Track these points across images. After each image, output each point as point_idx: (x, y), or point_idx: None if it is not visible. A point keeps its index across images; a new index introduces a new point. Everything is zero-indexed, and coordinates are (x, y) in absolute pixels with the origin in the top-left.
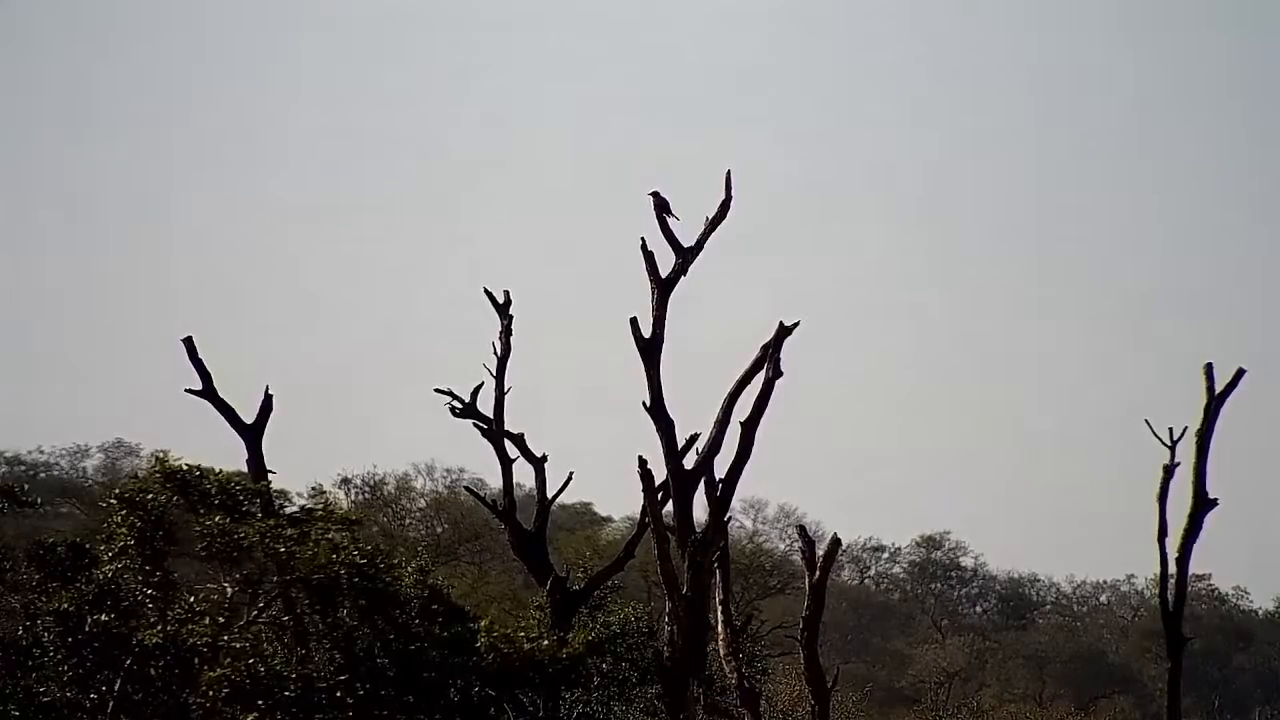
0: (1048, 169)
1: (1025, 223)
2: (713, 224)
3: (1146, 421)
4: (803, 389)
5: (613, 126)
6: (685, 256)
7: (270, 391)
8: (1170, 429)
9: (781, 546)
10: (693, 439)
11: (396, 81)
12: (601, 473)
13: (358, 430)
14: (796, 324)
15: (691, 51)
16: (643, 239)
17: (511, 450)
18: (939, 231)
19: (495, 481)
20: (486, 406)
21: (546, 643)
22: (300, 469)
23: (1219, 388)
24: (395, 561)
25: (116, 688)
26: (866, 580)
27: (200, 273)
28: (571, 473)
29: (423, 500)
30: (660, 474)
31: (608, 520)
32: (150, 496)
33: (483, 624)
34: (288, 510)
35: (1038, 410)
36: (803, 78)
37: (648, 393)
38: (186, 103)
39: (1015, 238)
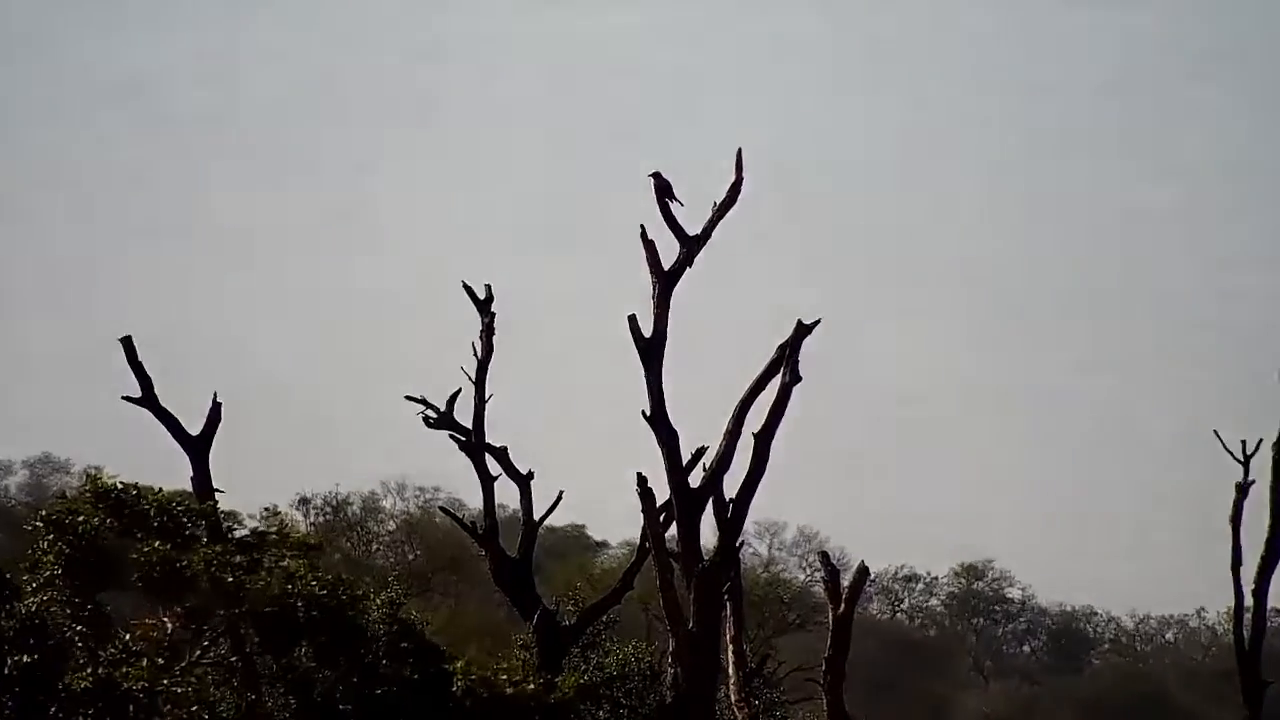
0: (1105, 164)
1: (1076, 220)
2: (722, 209)
3: (1216, 433)
4: (824, 395)
5: (612, 102)
6: (690, 246)
7: (219, 399)
8: (1243, 442)
9: (801, 576)
10: (700, 453)
11: (361, 44)
12: (596, 492)
13: (318, 443)
14: (817, 322)
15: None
16: (642, 227)
17: (493, 466)
18: (982, 224)
19: (474, 501)
20: (465, 416)
21: (532, 686)
22: (252, 487)
23: None
24: (360, 593)
25: None
26: (899, 615)
27: (139, 266)
28: (561, 491)
29: (392, 523)
30: (663, 493)
31: (603, 546)
32: (81, 519)
33: (459, 664)
34: (237, 534)
35: (1093, 422)
36: (837, 48)
37: (648, 400)
38: (116, 88)
39: (1065, 235)
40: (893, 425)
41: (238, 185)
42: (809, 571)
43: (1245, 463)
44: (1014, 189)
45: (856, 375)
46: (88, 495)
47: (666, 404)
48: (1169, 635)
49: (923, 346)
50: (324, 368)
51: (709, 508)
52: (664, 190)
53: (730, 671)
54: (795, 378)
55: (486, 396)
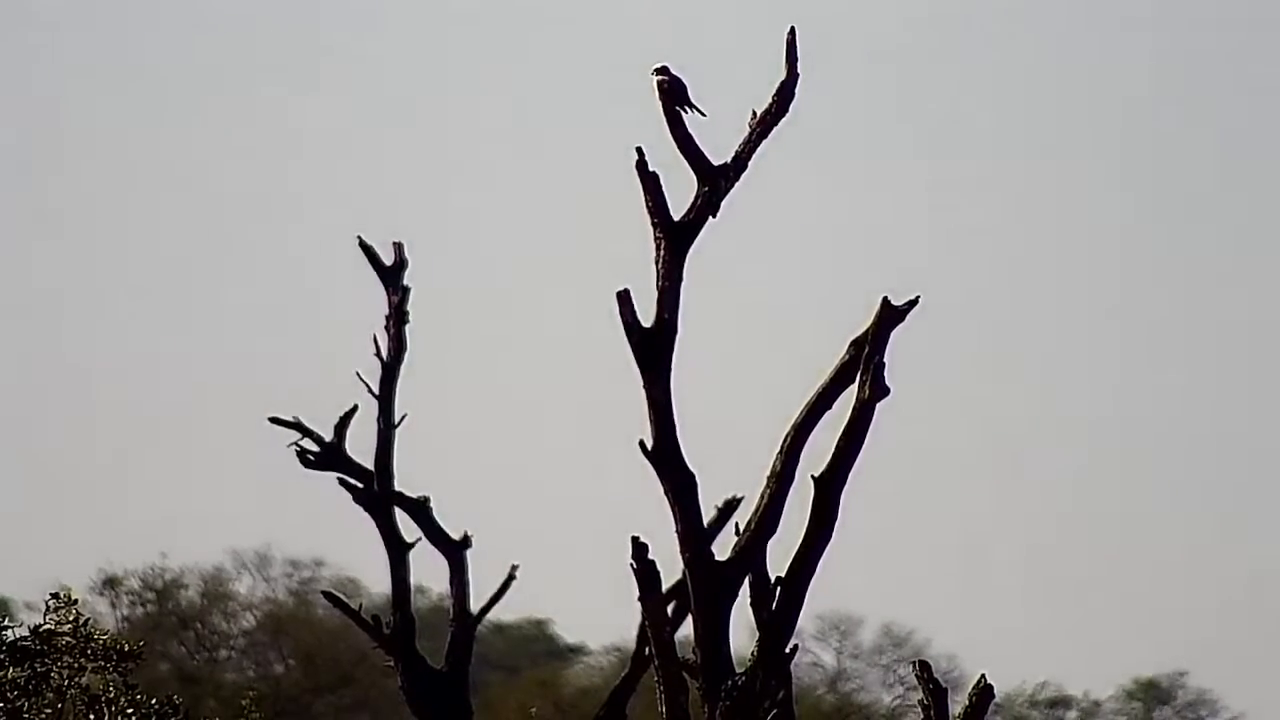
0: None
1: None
2: (766, 123)
3: None
4: (924, 418)
5: None
6: (715, 182)
7: None
8: None
9: (887, 697)
10: (729, 506)
11: None
12: (568, 566)
13: (132, 491)
14: (914, 301)
15: None
16: (639, 151)
17: (408, 527)
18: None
19: (377, 582)
20: (363, 450)
21: None
22: (30, 560)
23: None
24: None
25: None
26: None
27: None
28: (515, 566)
29: (251, 615)
30: (673, 569)
31: (578, 652)
32: None
33: None
34: (10, 634)
35: None
36: None
37: (650, 425)
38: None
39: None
40: (1025, 473)
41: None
42: (899, 690)
43: None
44: None
45: (980, 387)
46: None
47: (678, 430)
48: None
49: (1059, 350)
50: (142, 377)
51: (744, 592)
52: (675, 95)
53: None
54: (880, 391)
55: (397, 419)
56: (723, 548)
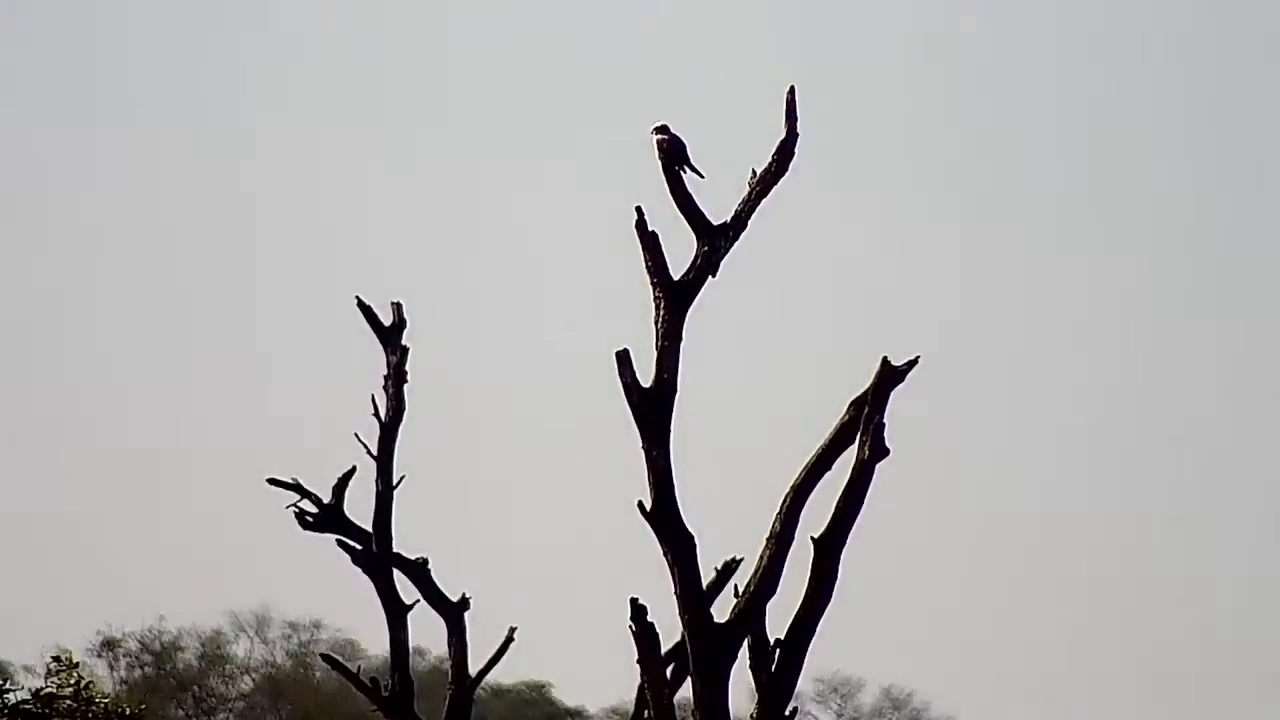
0: None
1: None
2: (766, 182)
3: None
4: (926, 477)
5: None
6: (715, 241)
7: None
8: None
9: None
10: (729, 568)
11: None
12: (567, 630)
13: (131, 554)
14: (914, 362)
15: None
16: (638, 211)
17: (406, 589)
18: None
19: (376, 645)
20: (361, 512)
21: None
22: (28, 622)
23: None
24: None
25: None
26: None
27: None
28: (513, 629)
29: (249, 677)
30: (672, 631)
31: (577, 715)
32: None
33: None
34: (11, 698)
35: None
36: None
37: (649, 485)
38: None
39: None
40: (1033, 533)
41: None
42: None
43: None
44: None
45: (981, 447)
46: None
47: (677, 491)
48: None
49: (1079, 399)
50: (141, 437)
51: (743, 654)
52: (674, 155)
53: None
54: (880, 451)
55: (395, 480)
56: (722, 609)
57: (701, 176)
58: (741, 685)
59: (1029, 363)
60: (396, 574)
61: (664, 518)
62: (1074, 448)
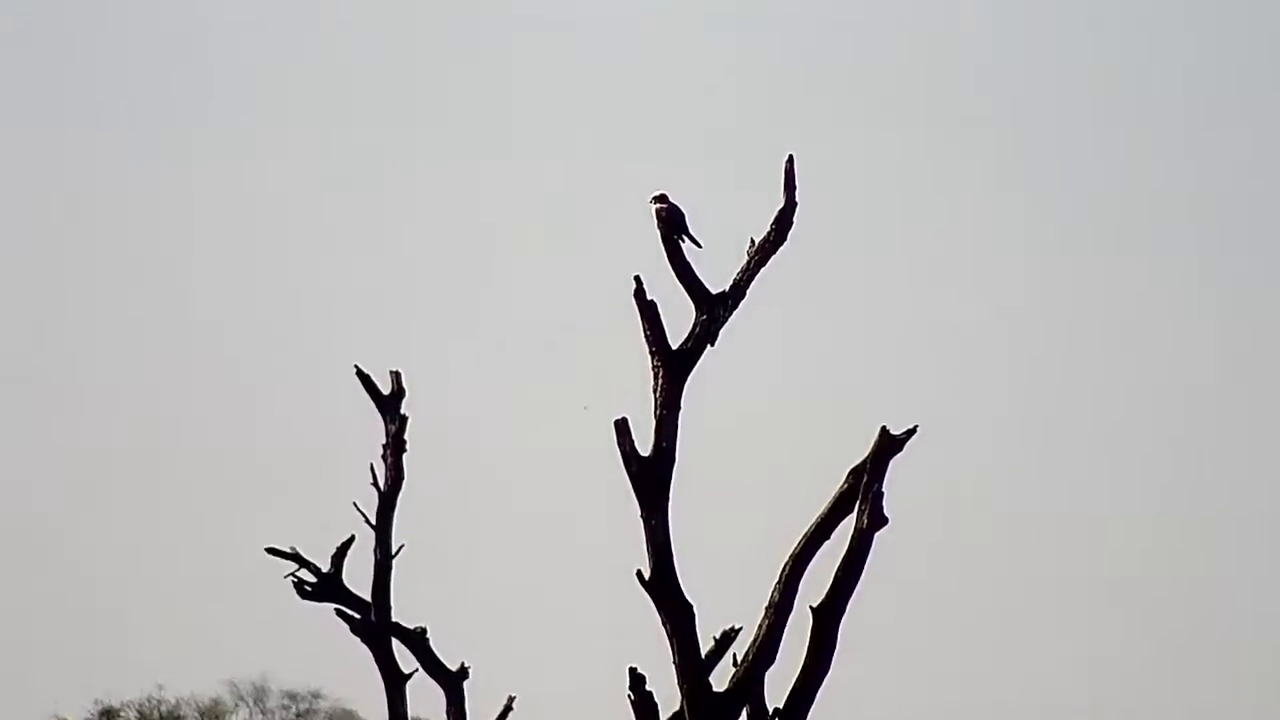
0: None
1: None
2: (764, 251)
3: None
4: (928, 542)
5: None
6: (714, 310)
7: None
8: None
9: None
10: (727, 637)
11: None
12: (568, 697)
13: (130, 622)
14: (913, 431)
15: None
16: (637, 280)
17: (405, 658)
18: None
19: (375, 714)
20: (358, 580)
21: None
22: (28, 693)
23: None
24: None
25: None
26: None
27: None
28: (512, 697)
29: None
30: (669, 700)
31: None
32: None
33: None
34: None
35: None
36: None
37: (647, 554)
38: None
39: None
40: (1032, 605)
41: None
42: None
43: None
44: None
45: (981, 514)
46: None
47: (676, 560)
48: None
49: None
50: (137, 501)
51: None
52: (673, 223)
53: None
54: (879, 520)
55: (394, 549)
56: (721, 678)
57: (699, 246)
58: None
59: (1031, 433)
60: (395, 643)
61: (663, 587)
62: (1080, 518)
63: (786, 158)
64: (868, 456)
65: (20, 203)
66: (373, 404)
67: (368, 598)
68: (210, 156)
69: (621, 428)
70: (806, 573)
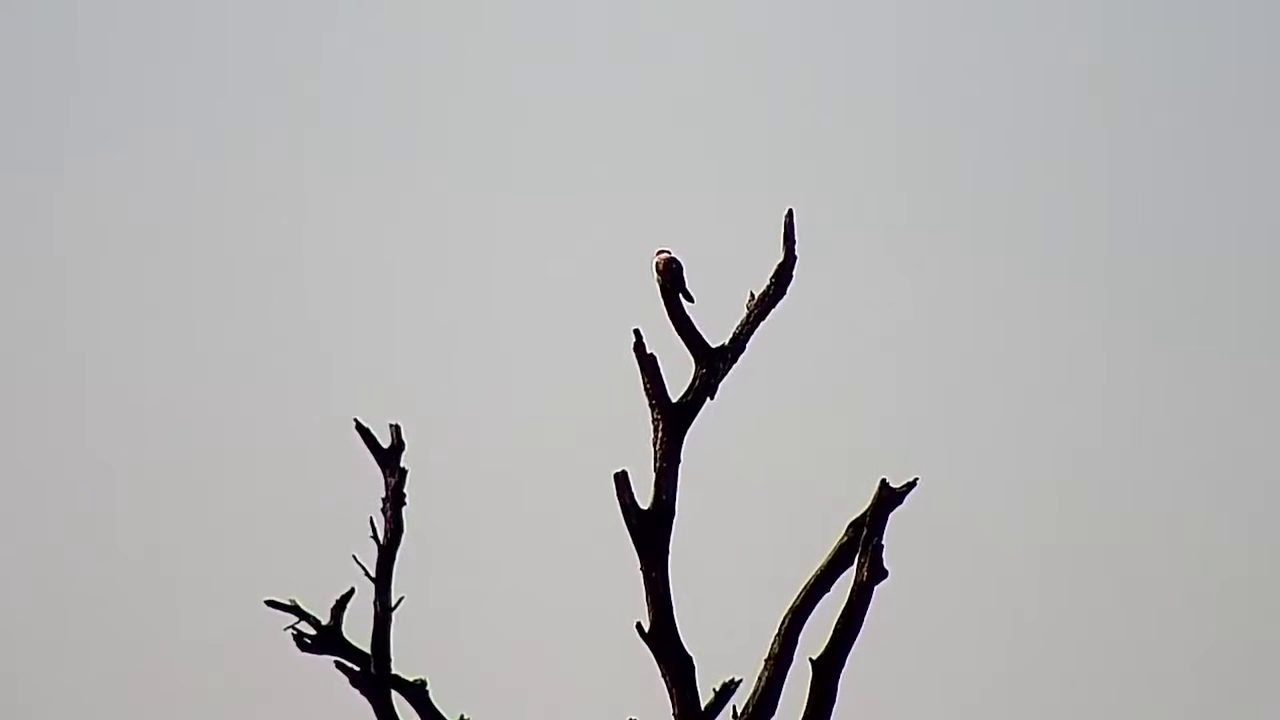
0: None
1: None
2: (764, 304)
3: None
4: (921, 601)
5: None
6: (713, 365)
7: None
8: None
9: None
10: (727, 689)
11: None
12: None
13: (125, 676)
14: (913, 484)
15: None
16: (636, 333)
17: (405, 711)
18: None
19: None
20: (359, 633)
21: None
22: None
23: None
24: None
25: None
26: None
27: None
28: None
29: None
30: None
31: None
32: None
33: None
34: None
35: None
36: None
37: (647, 606)
38: None
39: None
40: (1035, 653)
41: None
42: None
43: None
44: None
45: (981, 567)
46: None
47: (675, 612)
48: None
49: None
50: (136, 555)
51: None
52: (672, 279)
53: None
54: (879, 573)
55: (395, 601)
56: None
57: (691, 300)
58: None
59: (1034, 484)
60: (395, 696)
61: (663, 639)
62: (1082, 567)
63: (786, 212)
64: (867, 509)
65: (21, 202)
66: (372, 457)
67: (368, 650)
68: (201, 213)
69: (621, 481)
70: (806, 625)
